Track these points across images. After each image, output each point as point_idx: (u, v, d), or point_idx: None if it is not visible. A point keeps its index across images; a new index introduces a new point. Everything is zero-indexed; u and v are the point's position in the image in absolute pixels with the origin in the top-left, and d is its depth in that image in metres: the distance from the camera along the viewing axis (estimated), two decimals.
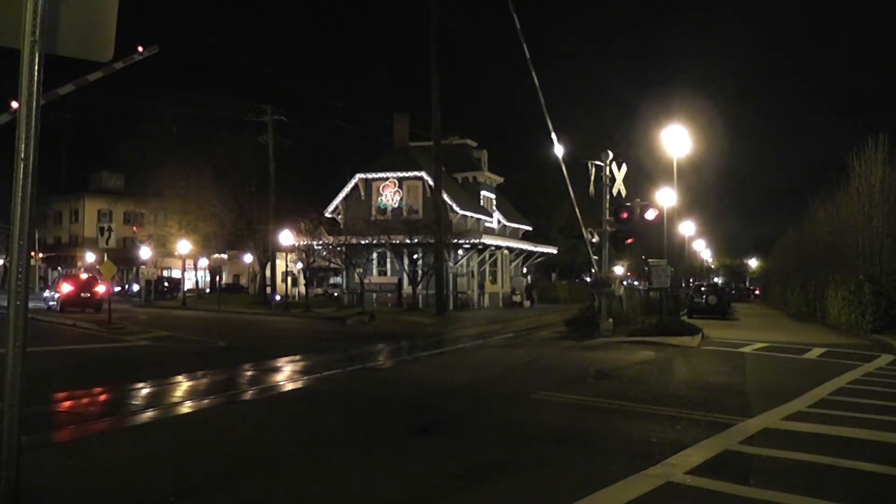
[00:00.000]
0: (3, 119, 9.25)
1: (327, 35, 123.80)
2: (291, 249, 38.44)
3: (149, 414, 8.91)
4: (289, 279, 41.74)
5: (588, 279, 62.38)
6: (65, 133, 57.67)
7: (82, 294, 30.34)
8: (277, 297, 38.36)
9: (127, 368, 13.75)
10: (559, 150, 21.85)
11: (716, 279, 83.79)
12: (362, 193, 40.29)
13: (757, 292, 74.66)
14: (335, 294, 45.54)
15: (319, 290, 50.93)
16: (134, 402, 10.04)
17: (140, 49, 10.40)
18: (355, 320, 27.90)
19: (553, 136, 20.91)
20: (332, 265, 41.79)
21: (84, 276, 34.29)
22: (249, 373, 13.04)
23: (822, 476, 6.05)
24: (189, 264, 50.09)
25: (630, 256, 58.94)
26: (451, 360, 16.06)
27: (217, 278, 55.94)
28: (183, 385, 11.41)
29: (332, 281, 52.50)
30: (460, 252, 38.84)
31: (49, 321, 24.46)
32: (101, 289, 30.47)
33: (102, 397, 10.29)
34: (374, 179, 40.16)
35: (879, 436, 7.63)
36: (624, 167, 21.81)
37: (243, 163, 42.85)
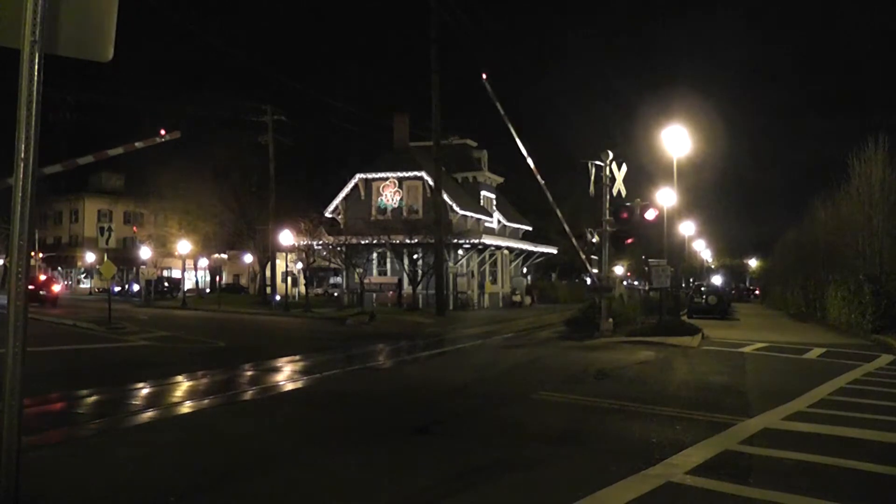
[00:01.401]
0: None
1: (327, 35, 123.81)
2: (291, 249, 38.45)
3: (149, 414, 8.91)
4: (289, 279, 41.74)
5: (588, 279, 62.37)
6: (65, 133, 57.64)
7: (40, 292, 34.74)
8: (277, 297, 38.37)
9: (127, 368, 13.74)
10: (533, 164, 22.34)
11: (714, 278, 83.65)
12: (362, 193, 40.30)
13: (757, 292, 74.63)
14: (335, 294, 45.58)
15: (319, 290, 50.99)
16: (134, 402, 10.04)
17: (162, 132, 10.65)
18: (355, 320, 27.90)
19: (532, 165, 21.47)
20: (332, 265, 41.81)
21: (43, 276, 40.12)
22: (249, 373, 13.03)
23: (822, 476, 6.05)
24: (189, 264, 50.12)
25: (630, 256, 58.91)
26: (451, 360, 16.06)
27: (217, 278, 55.96)
28: (183, 385, 11.41)
29: (332, 281, 52.56)
30: (460, 252, 38.84)
31: (49, 321, 24.45)
32: (56, 287, 37.55)
33: (102, 397, 10.28)
34: (374, 179, 40.18)
35: (880, 436, 7.62)
36: (624, 167, 21.80)
37: (243, 163, 42.84)
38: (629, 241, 22.03)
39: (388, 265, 39.23)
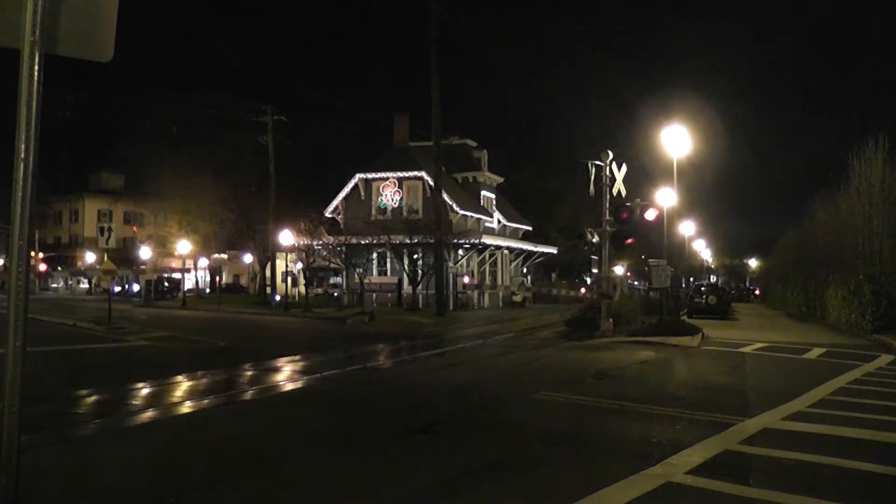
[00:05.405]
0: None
1: (328, 35, 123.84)
2: (291, 249, 38.44)
3: (148, 414, 8.91)
4: (289, 279, 41.71)
5: (588, 279, 62.40)
6: (65, 133, 57.75)
7: None
8: (277, 297, 38.36)
9: (127, 368, 13.75)
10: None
11: (712, 277, 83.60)
12: (362, 193, 40.29)
13: (757, 292, 74.60)
14: (335, 294, 45.54)
15: (319, 290, 50.92)
16: (133, 402, 10.05)
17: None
18: (355, 320, 27.90)
19: None
20: (332, 265, 41.77)
21: None
22: (249, 373, 13.04)
23: (822, 476, 6.05)
24: (189, 264, 50.12)
25: (630, 256, 58.93)
26: (451, 360, 16.06)
27: (217, 278, 55.96)
28: (183, 385, 11.42)
29: (332, 281, 52.50)
30: (460, 252, 38.84)
31: (49, 321, 24.44)
32: None
33: (102, 397, 10.29)
34: (374, 179, 40.17)
35: (879, 436, 7.62)
36: (624, 167, 21.78)
37: (243, 163, 42.87)
38: (629, 241, 22.01)
39: (388, 265, 39.21)
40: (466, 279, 39.29)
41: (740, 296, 69.82)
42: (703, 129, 51.44)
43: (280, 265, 42.51)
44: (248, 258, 51.55)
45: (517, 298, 45.02)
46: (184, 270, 47.80)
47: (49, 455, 6.51)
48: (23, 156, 3.95)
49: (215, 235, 47.36)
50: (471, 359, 16.07)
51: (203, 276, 60.46)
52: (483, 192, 45.01)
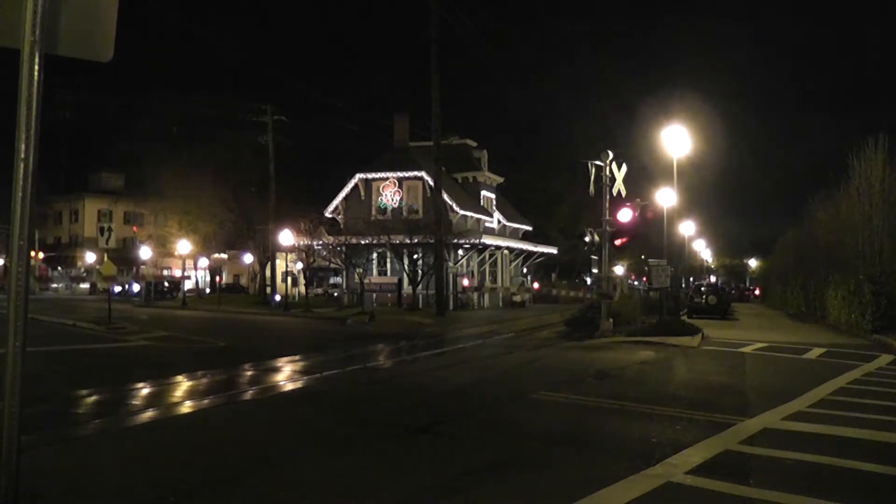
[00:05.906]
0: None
1: (328, 35, 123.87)
2: (291, 249, 38.43)
3: (148, 414, 8.91)
4: (289, 279, 41.71)
5: (588, 279, 62.44)
6: (65, 133, 57.75)
7: None
8: (277, 297, 38.35)
9: (127, 368, 13.76)
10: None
11: (712, 277, 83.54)
12: (362, 193, 40.29)
13: (757, 292, 74.53)
14: (335, 294, 45.57)
15: (319, 290, 50.95)
16: (134, 402, 10.05)
17: None
18: (355, 320, 27.89)
19: None
20: (332, 265, 41.77)
21: None
22: (249, 373, 13.04)
23: (822, 476, 6.05)
24: (189, 264, 50.10)
25: (630, 256, 58.94)
26: (451, 360, 16.05)
27: (217, 278, 55.95)
28: (183, 385, 11.42)
29: (332, 281, 52.53)
30: (460, 252, 38.83)
31: (49, 321, 24.44)
32: None
33: (102, 397, 10.29)
34: (374, 179, 40.16)
35: (879, 436, 7.62)
36: (624, 167, 21.77)
37: (243, 163, 42.85)
38: (623, 240, 21.99)
39: (388, 265, 39.20)
40: (466, 281, 39.31)
41: (740, 296, 69.78)
42: (703, 129, 51.54)
43: (280, 265, 42.52)
44: (248, 258, 51.55)
45: (517, 298, 45.00)
46: (184, 274, 47.77)
47: (49, 455, 6.50)
48: (23, 156, 3.95)
49: (215, 235, 47.35)
50: (471, 359, 16.06)
51: (203, 276, 60.45)
52: (483, 192, 45.01)
